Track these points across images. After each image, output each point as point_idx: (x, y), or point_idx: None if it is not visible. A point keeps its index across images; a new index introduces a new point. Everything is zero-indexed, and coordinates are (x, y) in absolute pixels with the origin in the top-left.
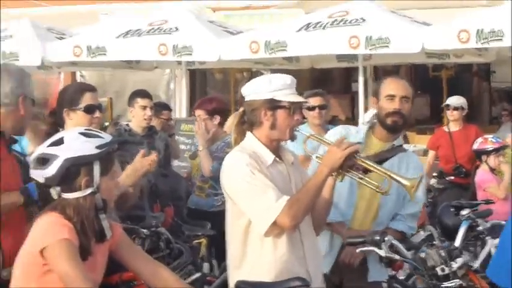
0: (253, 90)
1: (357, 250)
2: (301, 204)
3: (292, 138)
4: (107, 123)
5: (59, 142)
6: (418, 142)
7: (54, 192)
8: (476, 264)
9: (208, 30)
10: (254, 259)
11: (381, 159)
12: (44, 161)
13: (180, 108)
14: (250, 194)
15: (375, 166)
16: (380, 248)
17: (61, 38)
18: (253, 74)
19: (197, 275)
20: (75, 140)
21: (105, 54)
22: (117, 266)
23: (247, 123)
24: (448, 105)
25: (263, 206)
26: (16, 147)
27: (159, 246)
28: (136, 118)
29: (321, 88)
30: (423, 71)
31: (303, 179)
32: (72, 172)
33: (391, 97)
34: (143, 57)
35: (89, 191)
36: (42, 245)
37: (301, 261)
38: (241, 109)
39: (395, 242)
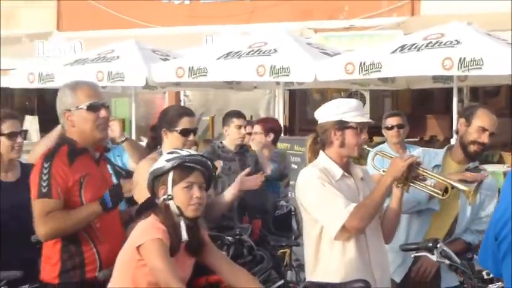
0: (324, 114)
1: (412, 255)
2: (367, 210)
3: (361, 155)
4: None
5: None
6: None
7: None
8: None
9: (305, 52)
10: (325, 263)
11: None
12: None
13: None
14: (322, 202)
15: (435, 175)
16: (432, 254)
17: (165, 60)
18: (352, 94)
19: (280, 282)
20: (162, 156)
21: (206, 75)
22: (205, 269)
23: (320, 144)
24: None
25: (333, 212)
26: (118, 161)
27: (242, 253)
28: (231, 136)
29: (420, 108)
30: None
31: None
32: (155, 183)
33: (483, 130)
34: (242, 78)
35: (162, 197)
36: (139, 242)
37: (367, 266)
38: (314, 133)
39: (446, 248)
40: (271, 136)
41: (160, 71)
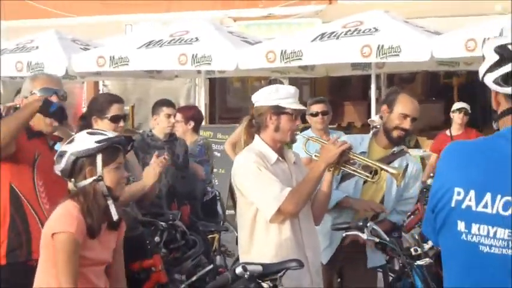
0: (262, 98)
1: (343, 234)
2: (301, 194)
3: (293, 141)
4: None
5: (71, 141)
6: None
7: (70, 184)
8: None
9: (227, 41)
10: (260, 244)
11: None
12: (58, 158)
13: None
14: (258, 186)
15: (366, 159)
16: (362, 232)
17: (85, 49)
18: (271, 82)
19: (210, 267)
20: (82, 140)
21: (127, 64)
22: (138, 254)
23: (255, 127)
24: (460, 109)
25: (269, 196)
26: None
27: (176, 238)
28: (161, 125)
29: (338, 95)
30: (437, 78)
31: (304, 176)
32: (78, 164)
33: (405, 116)
34: (164, 67)
35: (91, 179)
36: (54, 230)
37: (301, 247)
38: (250, 115)
39: (375, 227)
40: (192, 124)
41: (81, 60)
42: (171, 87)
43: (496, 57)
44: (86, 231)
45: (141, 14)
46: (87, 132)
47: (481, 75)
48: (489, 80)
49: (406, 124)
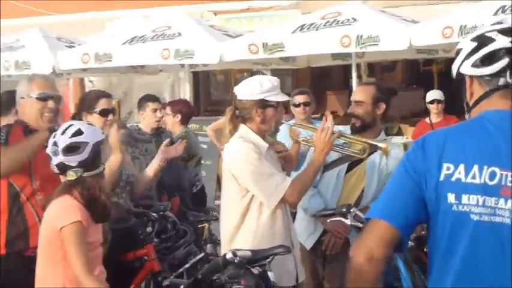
0: (246, 92)
1: (328, 220)
2: (303, 185)
3: (277, 130)
4: None
5: (80, 132)
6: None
7: (73, 173)
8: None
9: (209, 34)
10: (251, 231)
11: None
12: (75, 148)
13: None
14: (259, 176)
15: (354, 137)
16: (346, 218)
17: (70, 47)
18: (253, 74)
19: (201, 255)
20: (91, 130)
21: (111, 60)
22: (131, 244)
23: (240, 117)
24: (433, 100)
25: (272, 186)
26: None
27: (166, 228)
28: (147, 120)
29: (320, 85)
30: (417, 66)
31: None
32: (97, 153)
33: (354, 102)
34: (147, 62)
35: (102, 167)
36: (62, 224)
37: (288, 232)
38: (233, 106)
39: (358, 213)
40: (179, 117)
41: (66, 58)
42: (155, 81)
43: (474, 44)
44: (89, 218)
45: (123, 10)
46: (89, 124)
47: (455, 69)
48: (467, 66)
49: (353, 109)
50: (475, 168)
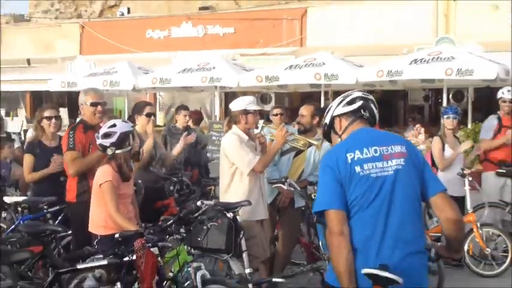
0: (235, 105)
1: (272, 186)
2: (266, 161)
3: (256, 127)
4: None
5: (114, 125)
6: None
7: (110, 150)
8: None
9: (231, 68)
10: (235, 190)
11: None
12: (108, 135)
13: (214, 116)
14: (240, 153)
15: (299, 136)
16: (284, 185)
17: (146, 73)
18: (263, 95)
19: (207, 207)
20: (121, 124)
21: (169, 83)
22: (160, 197)
23: (232, 122)
24: None
25: (246, 160)
26: None
27: (182, 187)
28: (180, 121)
29: (303, 103)
30: None
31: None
32: (125, 138)
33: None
34: (193, 84)
35: (129, 147)
36: (100, 181)
37: (260, 192)
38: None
39: (291, 182)
40: (190, 121)
41: (144, 80)
42: (200, 97)
43: (340, 99)
44: (119, 179)
45: (181, 51)
46: (123, 121)
47: (329, 116)
48: (338, 110)
49: (299, 119)
50: (365, 150)
